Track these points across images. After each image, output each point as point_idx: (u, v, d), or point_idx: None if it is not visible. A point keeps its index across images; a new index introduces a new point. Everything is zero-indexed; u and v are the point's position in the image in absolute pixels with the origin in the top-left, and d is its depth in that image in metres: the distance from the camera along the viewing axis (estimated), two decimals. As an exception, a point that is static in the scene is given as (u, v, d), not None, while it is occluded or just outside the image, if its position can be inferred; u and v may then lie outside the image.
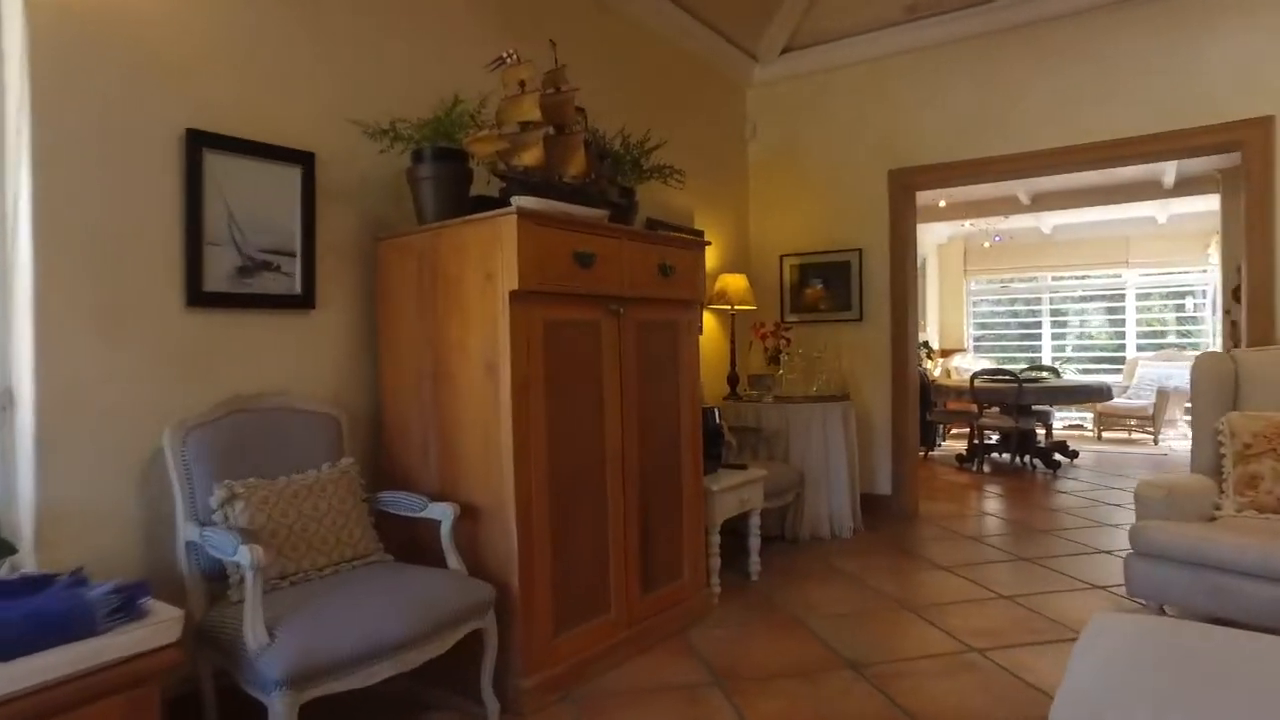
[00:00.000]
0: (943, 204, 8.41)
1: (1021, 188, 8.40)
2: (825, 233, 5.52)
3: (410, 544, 2.66)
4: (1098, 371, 10.68)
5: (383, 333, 2.94)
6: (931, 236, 10.57)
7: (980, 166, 5.03)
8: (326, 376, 2.84)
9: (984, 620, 3.34)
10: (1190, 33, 4.37)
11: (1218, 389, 3.75)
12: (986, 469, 7.25)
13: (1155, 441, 8.92)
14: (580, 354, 2.82)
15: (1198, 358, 3.96)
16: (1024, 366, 8.90)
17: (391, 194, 3.06)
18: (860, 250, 5.37)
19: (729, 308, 5.07)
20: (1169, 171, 7.77)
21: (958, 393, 7.44)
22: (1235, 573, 2.95)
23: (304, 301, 2.75)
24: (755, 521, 3.94)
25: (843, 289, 5.44)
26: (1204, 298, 10.14)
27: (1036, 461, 7.22)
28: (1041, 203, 8.73)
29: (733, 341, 5.25)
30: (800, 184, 5.63)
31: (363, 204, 3.00)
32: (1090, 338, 11.00)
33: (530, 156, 2.82)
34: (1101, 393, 6.97)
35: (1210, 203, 8.83)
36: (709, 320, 5.18)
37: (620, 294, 2.96)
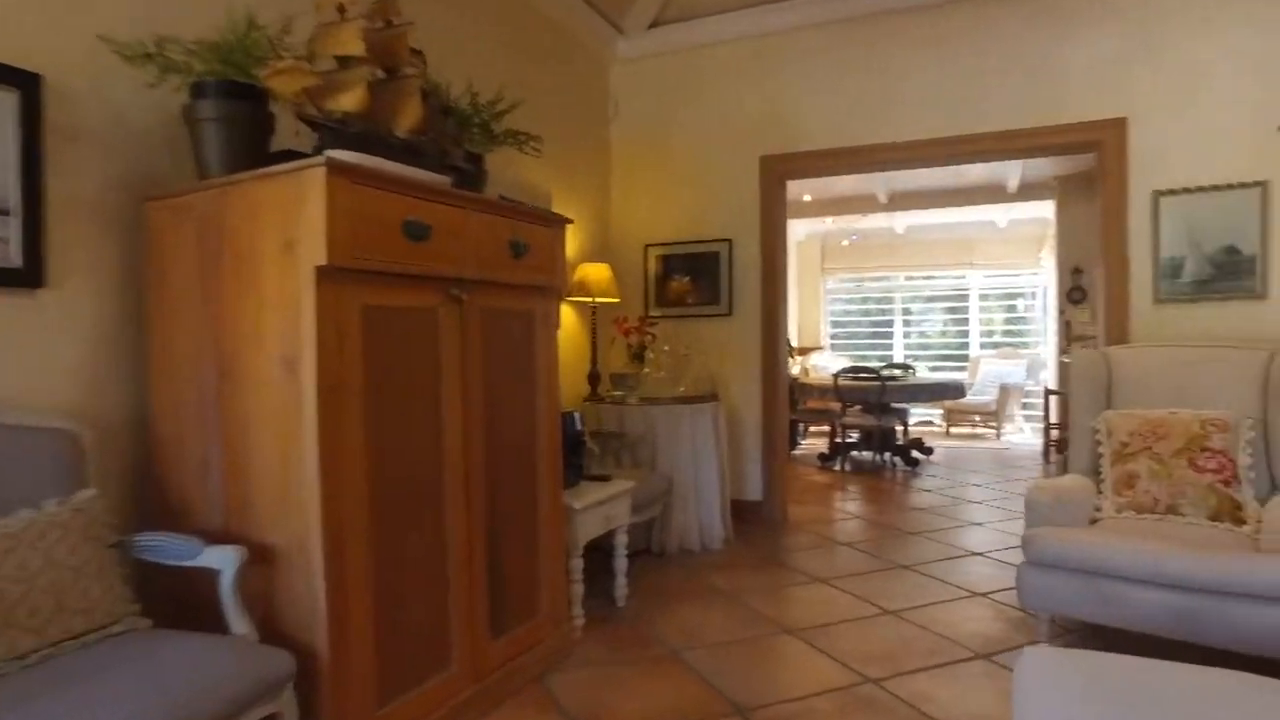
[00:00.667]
0: (807, 198, 8.32)
1: (881, 186, 8.46)
2: (693, 222, 5.18)
3: (186, 601, 2.02)
4: (945, 369, 11.04)
5: (152, 320, 2.27)
6: (791, 235, 10.56)
7: (854, 156, 4.82)
8: (60, 380, 2.14)
9: (874, 642, 3.05)
10: (1056, 32, 4.31)
11: (1093, 387, 3.66)
12: (848, 468, 7.18)
13: (998, 436, 9.25)
14: (412, 348, 2.27)
15: (1074, 355, 3.87)
16: (881, 364, 9.00)
17: (164, 141, 2.38)
18: (730, 241, 5.05)
19: (590, 300, 4.61)
20: (1013, 176, 8.02)
21: (819, 391, 7.34)
22: (1125, 579, 2.79)
23: (26, 278, 2.04)
24: (621, 539, 3.50)
25: (711, 282, 5.11)
26: (1033, 299, 10.70)
27: (896, 459, 7.22)
28: (898, 202, 8.85)
29: (594, 337, 4.79)
30: (667, 169, 5.25)
31: (123, 151, 2.30)
32: (938, 336, 11.38)
33: (350, 100, 2.23)
34: (956, 390, 7.06)
35: (1045, 209, 9.26)
36: (567, 314, 4.70)
37: (463, 275, 2.42)
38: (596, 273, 4.59)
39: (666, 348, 4.88)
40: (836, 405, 7.17)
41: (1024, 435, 9.42)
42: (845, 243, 9.40)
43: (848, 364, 10.29)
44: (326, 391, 1.97)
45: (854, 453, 7.63)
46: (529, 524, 2.77)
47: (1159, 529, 3.03)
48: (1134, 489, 3.27)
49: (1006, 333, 11.58)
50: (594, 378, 4.71)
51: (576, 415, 3.43)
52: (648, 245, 5.29)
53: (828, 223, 9.25)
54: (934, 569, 4.04)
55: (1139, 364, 3.64)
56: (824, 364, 10.32)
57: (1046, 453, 7.74)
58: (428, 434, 2.31)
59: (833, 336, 11.56)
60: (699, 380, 4.81)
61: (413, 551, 2.24)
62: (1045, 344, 10.21)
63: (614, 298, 4.72)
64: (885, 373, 7.93)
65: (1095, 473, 3.47)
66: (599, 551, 3.50)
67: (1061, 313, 8.07)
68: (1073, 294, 8.02)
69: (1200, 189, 4.08)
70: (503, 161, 3.31)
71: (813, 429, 9.11)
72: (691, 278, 5.16)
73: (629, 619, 3.32)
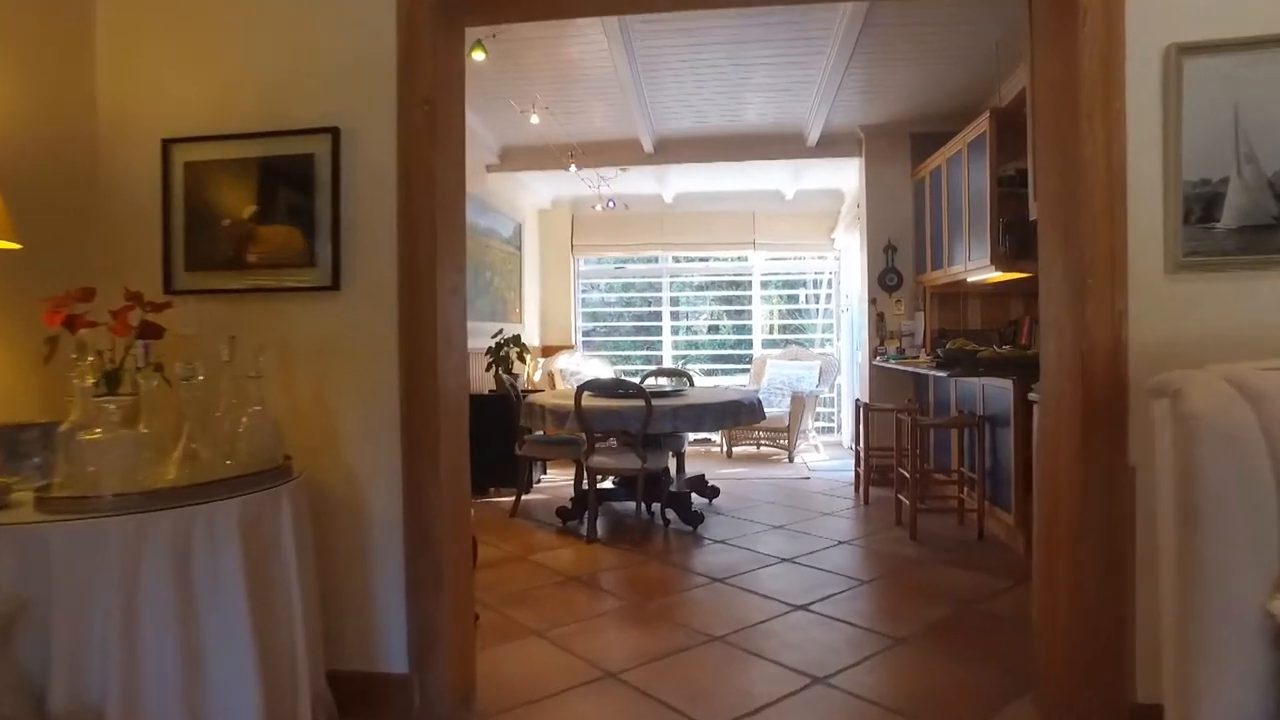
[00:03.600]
0: (535, 120, 5.81)
1: (646, 130, 6.16)
2: (264, 96, 2.44)
3: None
4: (723, 373, 9.09)
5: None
6: (530, 197, 8.04)
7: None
8: None
9: None
10: None
11: (1255, 500, 1.40)
12: (599, 532, 4.79)
13: (790, 458, 7.35)
14: None
15: (1199, 409, 1.60)
16: (649, 369, 6.73)
17: None
18: (336, 133, 2.38)
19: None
20: (814, 126, 6.05)
21: (557, 416, 4.86)
22: None
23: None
24: None
25: (299, 217, 2.40)
26: (818, 288, 9.06)
27: (670, 513, 4.93)
28: (668, 152, 6.61)
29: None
30: (209, -18, 2.49)
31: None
32: (713, 332, 9.44)
33: None
34: (752, 411, 4.89)
35: (840, 176, 7.48)
36: None
37: None
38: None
39: (189, 367, 2.10)
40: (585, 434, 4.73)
41: (819, 456, 7.61)
42: (598, 207, 7.10)
43: (603, 374, 8.05)
44: None
45: (611, 503, 5.27)
46: None
47: None
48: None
49: (785, 328, 9.90)
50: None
51: None
52: (169, 141, 2.47)
53: (575, 174, 6.82)
54: None
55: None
56: (575, 368, 7.91)
57: (860, 485, 5.84)
58: None
59: (588, 334, 9.24)
60: (246, 441, 2.10)
61: None
62: (836, 341, 8.52)
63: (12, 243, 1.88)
64: (652, 384, 5.63)
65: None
66: None
67: (873, 302, 6.24)
68: (886, 278, 6.21)
69: (1262, 41, 2.04)
70: None
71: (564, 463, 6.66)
72: (260, 211, 2.43)
73: None
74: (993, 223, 4.33)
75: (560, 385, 7.76)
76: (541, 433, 5.13)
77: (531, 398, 5.00)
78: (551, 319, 8.59)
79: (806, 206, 8.29)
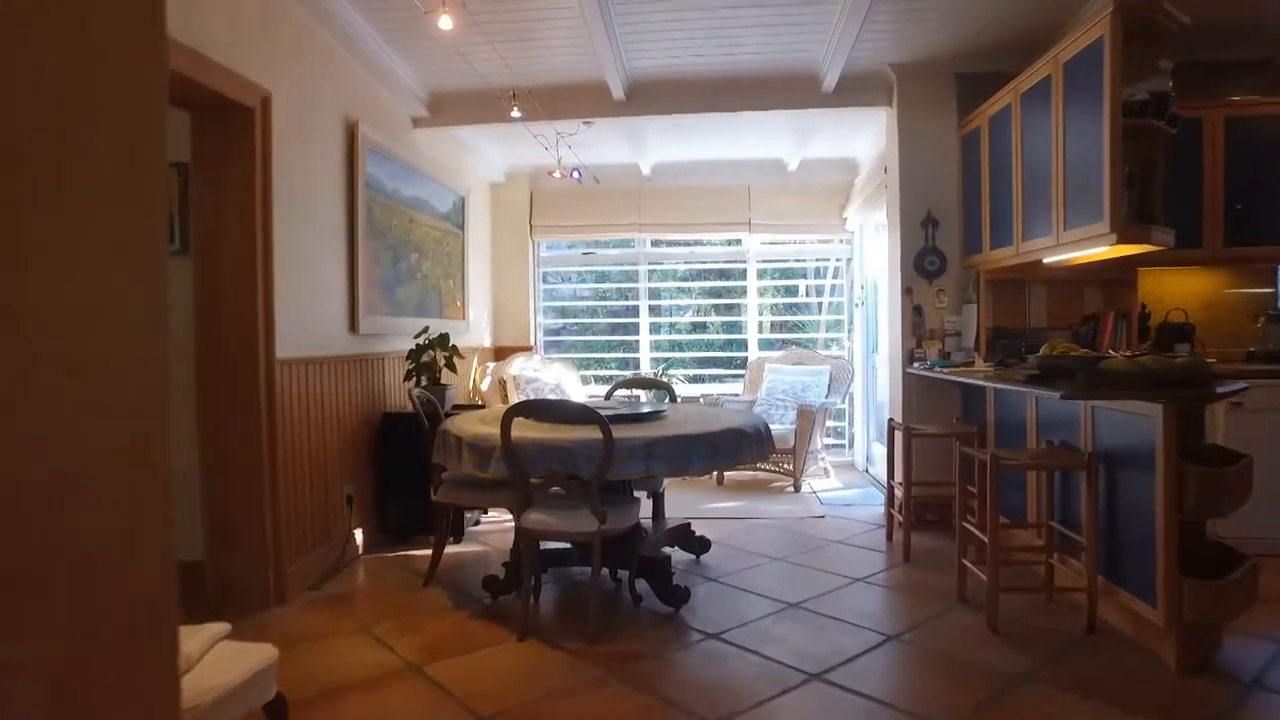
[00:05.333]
0: (446, 22, 4.38)
1: (615, 70, 4.73)
2: None
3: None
4: (711, 379, 7.68)
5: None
6: (477, 165, 6.59)
7: None
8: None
9: None
10: None
11: None
12: (545, 609, 3.37)
13: (796, 486, 5.94)
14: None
15: None
16: (620, 379, 5.31)
17: None
18: None
19: None
20: (831, 64, 4.65)
21: (481, 453, 3.39)
22: None
23: None
24: None
25: None
26: (823, 277, 7.67)
27: (642, 582, 3.50)
28: (643, 101, 5.18)
29: None
30: None
31: None
32: (703, 330, 8.05)
33: None
34: (757, 444, 3.42)
35: (850, 143, 6.11)
36: None
37: None
38: None
39: None
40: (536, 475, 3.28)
41: (831, 483, 6.21)
42: (556, 174, 5.66)
43: (572, 378, 6.60)
44: None
45: (565, 566, 3.85)
46: None
47: None
48: None
49: (784, 325, 8.51)
50: None
51: None
52: None
53: (524, 128, 5.37)
54: None
55: None
56: (534, 375, 6.48)
57: (894, 530, 4.46)
58: None
59: (551, 332, 7.81)
60: None
61: None
62: (848, 341, 7.13)
63: None
64: (621, 401, 4.20)
65: None
66: None
67: (907, 292, 4.83)
68: (925, 261, 4.81)
69: None
70: None
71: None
72: None
73: None
74: (1113, 174, 2.94)
75: (515, 396, 6.33)
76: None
77: (447, 424, 3.55)
78: (506, 315, 7.14)
79: (814, 179, 6.89)
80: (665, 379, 6.80)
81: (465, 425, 3.45)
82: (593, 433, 2.99)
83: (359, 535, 4.34)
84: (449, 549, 4.37)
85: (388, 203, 4.79)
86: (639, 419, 3.43)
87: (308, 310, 3.88)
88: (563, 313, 9.11)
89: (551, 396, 6.37)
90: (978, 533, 3.33)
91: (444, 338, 4.71)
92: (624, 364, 7.69)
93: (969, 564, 3.39)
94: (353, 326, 4.34)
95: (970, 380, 3.80)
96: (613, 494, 3.30)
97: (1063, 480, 3.42)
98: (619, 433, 3.05)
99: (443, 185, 5.74)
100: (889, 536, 4.50)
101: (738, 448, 3.23)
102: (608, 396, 4.79)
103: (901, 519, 4.18)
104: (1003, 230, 4.13)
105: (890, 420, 4.58)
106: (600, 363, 8.55)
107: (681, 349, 8.19)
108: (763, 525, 4.91)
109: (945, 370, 4.16)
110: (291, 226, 3.71)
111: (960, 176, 4.77)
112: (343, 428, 4.23)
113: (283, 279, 3.58)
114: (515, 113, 4.53)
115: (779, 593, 3.61)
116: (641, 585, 3.51)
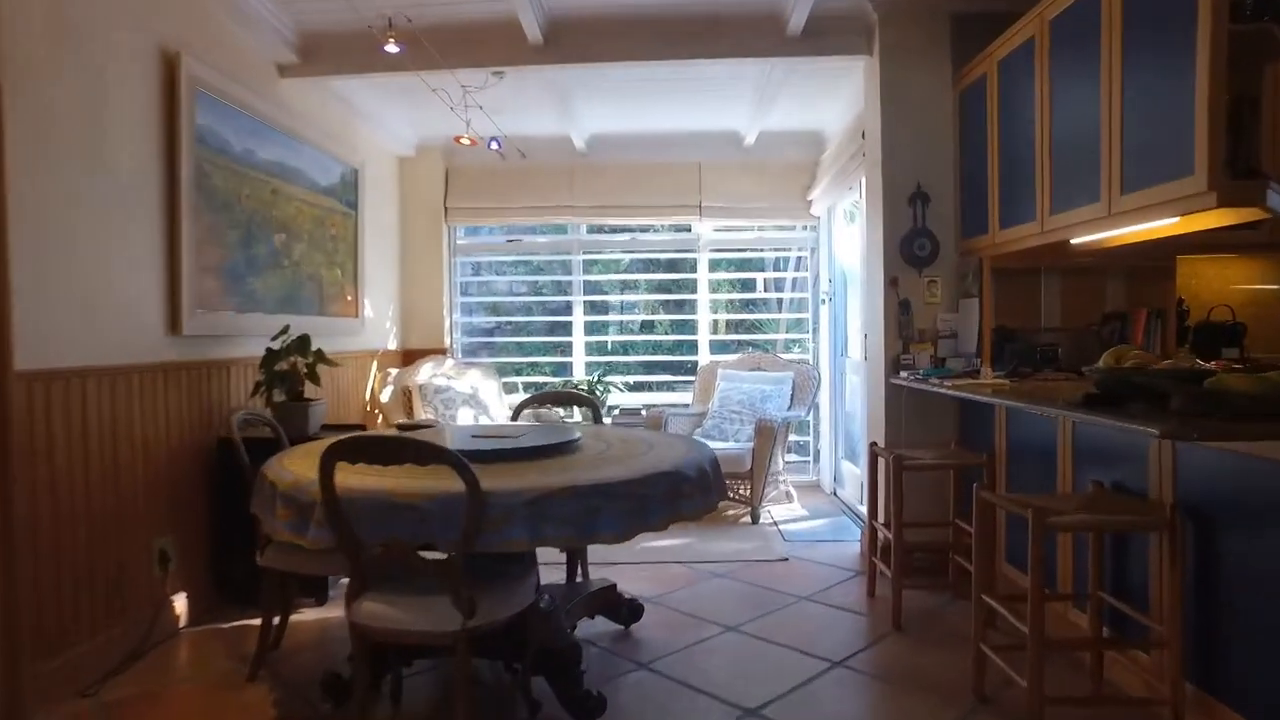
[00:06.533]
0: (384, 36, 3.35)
1: (527, 3, 3.72)
2: None
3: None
4: (658, 387, 6.72)
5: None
6: (377, 135, 5.51)
7: None
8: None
9: None
10: None
11: None
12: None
13: (754, 516, 5.00)
14: None
15: None
16: (529, 396, 4.31)
17: None
18: None
19: None
20: (798, 4, 3.70)
21: (298, 510, 2.35)
22: None
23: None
24: None
25: None
26: (784, 269, 6.76)
27: (543, 681, 2.50)
28: (566, 45, 4.17)
29: None
30: None
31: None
32: (649, 331, 7.06)
33: None
34: (703, 492, 2.43)
35: (817, 113, 5.22)
36: None
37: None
38: None
39: None
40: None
41: (794, 509, 5.29)
42: (466, 140, 4.61)
43: (491, 387, 5.49)
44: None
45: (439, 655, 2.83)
46: None
47: None
48: None
49: (740, 325, 7.60)
50: None
51: None
52: None
53: (420, 81, 4.34)
54: None
55: None
56: (446, 383, 5.45)
57: (874, 578, 3.54)
58: None
59: (483, 332, 6.79)
60: None
61: None
62: (814, 344, 6.22)
63: None
64: (529, 424, 3.17)
65: None
66: None
67: (892, 283, 3.90)
68: (913, 245, 3.88)
69: None
70: None
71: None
72: None
73: None
74: (1212, 107, 2.02)
75: (420, 410, 5.29)
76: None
77: (270, 462, 2.51)
78: (417, 313, 6.08)
79: (774, 155, 5.96)
80: (600, 389, 5.82)
81: (291, 465, 2.41)
82: (451, 484, 1.98)
83: (181, 602, 3.27)
84: (308, 615, 3.34)
85: (236, 167, 3.72)
86: (533, 455, 2.43)
87: (87, 303, 2.80)
88: (495, 310, 8.13)
89: (464, 410, 5.35)
90: (1005, 613, 2.40)
91: (303, 340, 3.65)
92: (562, 370, 6.69)
93: (989, 652, 2.46)
94: (173, 326, 3.27)
95: (989, 399, 2.87)
96: (495, 562, 2.29)
97: (1115, 537, 2.51)
98: (496, 480, 2.05)
99: (325, 153, 4.67)
100: (870, 590, 3.57)
101: (672, 500, 2.26)
102: (515, 416, 3.78)
103: (888, 571, 3.25)
104: (1019, 202, 3.21)
105: (872, 445, 3.64)
106: (536, 368, 7.55)
107: (627, 351, 7.21)
108: (713, 572, 3.95)
109: (946, 383, 3.23)
110: (52, 183, 2.63)
111: (957, 140, 3.86)
112: (154, 460, 3.15)
113: (28, 256, 2.51)
114: (391, 46, 3.49)
115: (733, 689, 2.64)
116: (541, 685, 2.50)
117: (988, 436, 3.44)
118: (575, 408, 4.12)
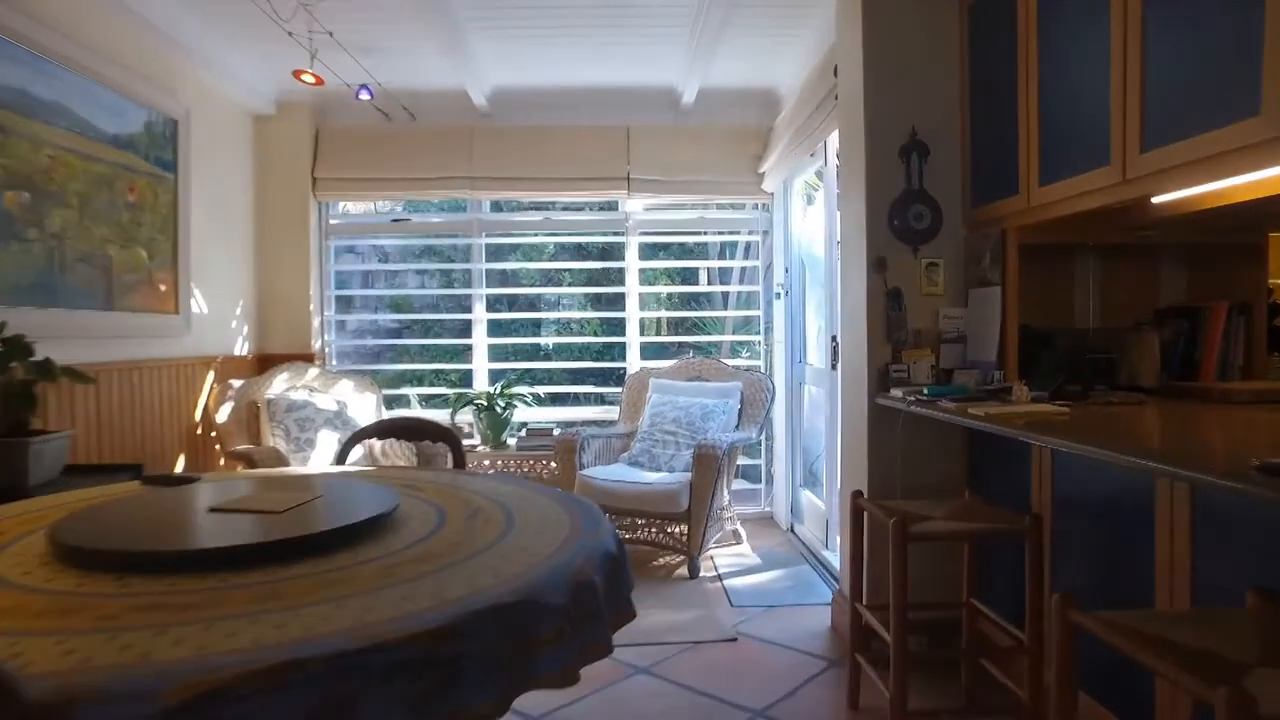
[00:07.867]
0: None
1: None
2: None
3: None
4: (575, 400, 5.62)
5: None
6: (210, 78, 4.25)
7: None
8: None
9: None
10: None
11: None
12: None
13: (692, 568, 3.92)
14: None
15: None
16: (448, 401, 3.17)
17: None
18: None
19: None
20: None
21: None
22: None
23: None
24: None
25: None
26: (731, 256, 5.72)
27: None
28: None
29: None
30: None
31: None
32: (568, 332, 5.96)
33: None
34: (573, 630, 1.42)
35: (769, 68, 4.20)
36: None
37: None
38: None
39: None
40: None
41: (743, 556, 4.24)
42: (308, 77, 3.43)
43: (367, 403, 4.22)
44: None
45: None
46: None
47: None
48: None
49: (679, 325, 6.57)
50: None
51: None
52: None
53: (287, 30, 3.17)
54: None
55: None
56: (306, 397, 4.27)
57: (859, 679, 2.49)
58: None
59: (390, 333, 5.60)
60: None
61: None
62: (766, 346, 5.18)
63: None
64: (343, 479, 1.99)
65: None
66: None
67: (878, 264, 2.85)
68: (906, 215, 2.84)
69: None
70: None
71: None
72: None
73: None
74: None
75: (268, 430, 4.10)
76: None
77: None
78: (277, 308, 4.85)
79: (718, 118, 4.91)
80: (501, 404, 4.70)
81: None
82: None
83: None
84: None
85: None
86: (280, 554, 1.29)
87: None
88: (396, 306, 6.96)
89: (325, 432, 4.17)
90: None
91: (20, 345, 2.44)
92: (469, 378, 5.53)
93: None
94: None
95: (1087, 450, 1.75)
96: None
97: None
98: (126, 648, 0.92)
99: (116, 91, 3.44)
100: (852, 700, 2.52)
101: (511, 660, 1.14)
102: (340, 458, 2.60)
103: (874, 673, 2.20)
104: (1077, 142, 2.18)
105: (855, 496, 2.57)
106: (442, 376, 6.38)
107: (541, 355, 6.09)
108: (635, 665, 2.85)
109: (971, 409, 2.18)
110: None
111: (965, 72, 2.84)
112: None
113: None
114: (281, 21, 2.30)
115: None
116: None
117: (1017, 482, 2.42)
118: (430, 442, 2.99)
